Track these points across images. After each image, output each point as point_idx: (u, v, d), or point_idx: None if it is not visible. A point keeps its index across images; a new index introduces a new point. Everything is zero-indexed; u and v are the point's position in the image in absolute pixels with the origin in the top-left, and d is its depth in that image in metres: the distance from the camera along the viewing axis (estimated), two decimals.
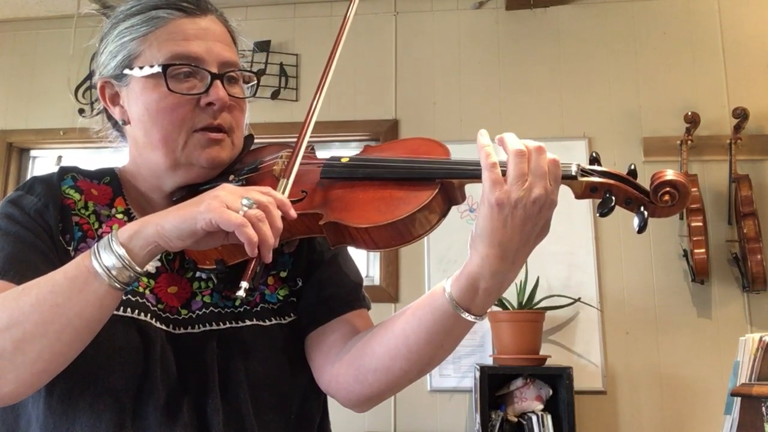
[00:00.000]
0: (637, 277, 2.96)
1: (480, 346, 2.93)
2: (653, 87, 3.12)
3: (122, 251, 0.75)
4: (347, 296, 1.00)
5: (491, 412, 2.62)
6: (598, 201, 0.79)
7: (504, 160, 0.78)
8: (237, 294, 0.76)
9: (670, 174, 0.78)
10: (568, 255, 2.95)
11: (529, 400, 2.64)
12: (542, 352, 2.71)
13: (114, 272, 0.75)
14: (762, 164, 2.99)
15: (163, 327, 0.90)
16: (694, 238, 2.81)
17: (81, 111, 3.32)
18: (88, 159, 3.36)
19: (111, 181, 1.00)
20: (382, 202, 0.84)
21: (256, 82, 1.02)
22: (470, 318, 0.82)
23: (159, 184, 0.98)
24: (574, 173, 0.78)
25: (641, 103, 3.11)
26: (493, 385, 2.68)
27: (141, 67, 0.92)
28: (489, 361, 2.81)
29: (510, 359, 2.65)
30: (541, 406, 2.63)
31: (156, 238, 0.76)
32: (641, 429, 2.85)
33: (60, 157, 3.49)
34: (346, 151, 0.98)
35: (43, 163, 3.54)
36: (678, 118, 2.94)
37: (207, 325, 0.92)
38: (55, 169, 0.99)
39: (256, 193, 0.79)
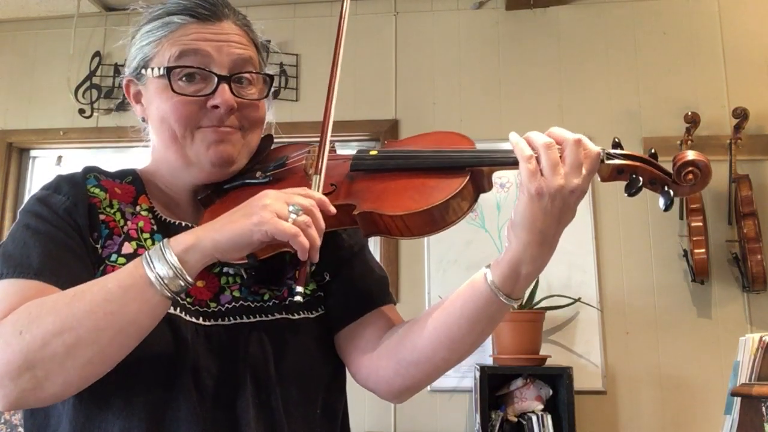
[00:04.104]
0: (637, 277, 2.96)
1: (480, 346, 2.93)
2: (653, 87, 3.12)
3: (177, 263, 0.77)
4: (379, 291, 1.03)
5: (491, 412, 2.62)
6: (624, 183, 0.84)
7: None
8: (296, 298, 0.81)
9: (691, 154, 0.82)
10: (568, 255, 2.94)
11: (529, 400, 2.64)
12: (542, 352, 2.71)
13: (166, 281, 0.77)
14: (762, 164, 2.99)
15: (193, 319, 0.90)
16: (694, 238, 2.81)
17: (81, 111, 3.33)
18: (88, 159, 3.36)
19: (133, 180, 1.01)
20: (416, 190, 0.87)
21: (268, 86, 1.01)
22: (510, 303, 0.88)
23: (178, 182, 1.00)
24: (600, 158, 0.83)
25: (641, 103, 3.11)
26: (493, 385, 2.68)
27: (152, 69, 0.95)
28: (489, 361, 2.81)
29: (510, 359, 2.66)
30: (541, 406, 2.63)
31: (213, 252, 0.79)
32: (641, 429, 2.85)
33: (60, 157, 3.49)
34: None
35: (43, 163, 3.53)
36: (678, 118, 2.94)
37: (237, 317, 0.92)
38: (79, 169, 0.99)
39: (299, 197, 0.81)
